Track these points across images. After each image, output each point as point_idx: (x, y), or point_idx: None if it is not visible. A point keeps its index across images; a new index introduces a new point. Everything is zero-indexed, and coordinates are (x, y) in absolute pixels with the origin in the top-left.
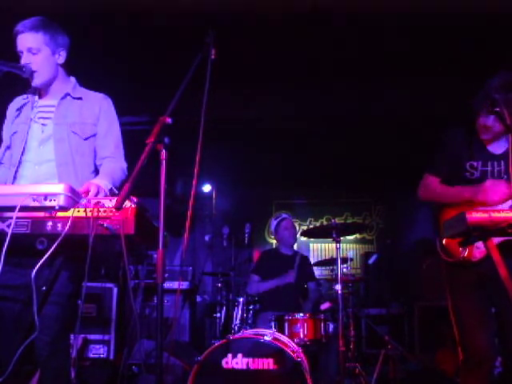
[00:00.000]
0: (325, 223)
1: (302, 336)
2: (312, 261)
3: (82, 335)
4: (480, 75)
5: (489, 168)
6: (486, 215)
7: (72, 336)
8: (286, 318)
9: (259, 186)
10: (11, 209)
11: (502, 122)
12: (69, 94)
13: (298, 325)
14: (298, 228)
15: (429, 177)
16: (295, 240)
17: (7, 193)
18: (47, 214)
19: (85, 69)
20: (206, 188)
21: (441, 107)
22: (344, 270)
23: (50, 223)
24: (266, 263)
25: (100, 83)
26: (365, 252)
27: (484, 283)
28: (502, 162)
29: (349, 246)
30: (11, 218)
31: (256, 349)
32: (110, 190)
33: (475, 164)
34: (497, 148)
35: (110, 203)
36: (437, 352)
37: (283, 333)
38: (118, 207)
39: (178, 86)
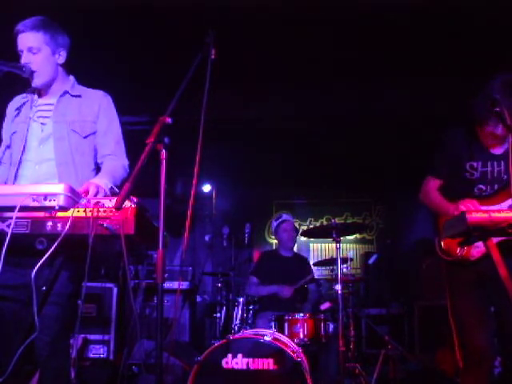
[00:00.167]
0: (325, 223)
1: (301, 336)
2: (312, 261)
3: (82, 335)
4: (480, 75)
5: (489, 168)
6: (485, 215)
7: (72, 336)
8: (286, 318)
9: (259, 185)
10: (11, 209)
11: (502, 122)
12: (67, 92)
13: (298, 325)
14: (298, 228)
15: (430, 180)
16: (294, 243)
17: (7, 193)
18: (47, 214)
19: (85, 68)
20: (206, 188)
21: (441, 107)
22: (344, 269)
23: (49, 223)
24: (266, 265)
25: (100, 83)
26: (365, 252)
27: (483, 282)
28: (502, 163)
29: (349, 246)
30: (11, 217)
31: (256, 349)
32: (111, 188)
33: (475, 164)
34: (497, 148)
35: (110, 203)
36: (437, 352)
37: (283, 333)
38: (118, 207)
39: (178, 85)
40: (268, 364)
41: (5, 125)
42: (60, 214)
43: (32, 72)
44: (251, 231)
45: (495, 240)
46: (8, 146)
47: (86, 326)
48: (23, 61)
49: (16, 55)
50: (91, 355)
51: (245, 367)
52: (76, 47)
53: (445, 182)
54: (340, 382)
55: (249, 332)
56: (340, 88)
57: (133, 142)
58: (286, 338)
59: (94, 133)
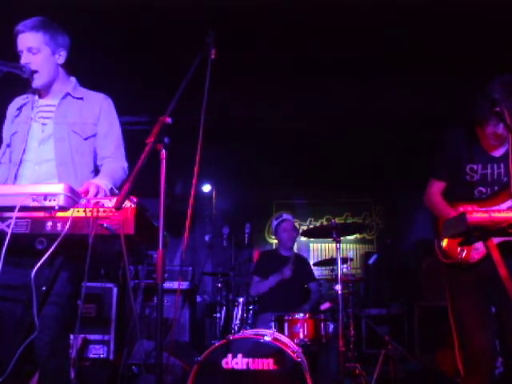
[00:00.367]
0: (325, 223)
1: (301, 336)
2: (312, 261)
3: (82, 335)
4: (480, 75)
5: (488, 171)
6: (486, 215)
7: (72, 336)
8: (286, 318)
9: (259, 185)
10: (11, 209)
11: (502, 122)
12: (69, 94)
13: (298, 325)
14: (298, 228)
15: (433, 183)
16: (294, 242)
17: (7, 193)
18: (47, 214)
19: (85, 68)
20: (206, 188)
21: (441, 107)
22: (344, 270)
23: (49, 223)
24: (265, 264)
25: (100, 83)
26: (365, 252)
27: (483, 283)
28: (502, 165)
29: (349, 246)
30: (11, 217)
31: (256, 349)
32: (111, 189)
33: (475, 167)
34: (497, 150)
35: (110, 203)
36: (437, 352)
37: (283, 333)
38: (118, 207)
39: (178, 85)
40: (268, 364)
41: (5, 125)
42: (60, 214)
43: (32, 72)
44: (251, 231)
45: (496, 241)
46: (8, 145)
47: (86, 326)
48: (23, 61)
49: (16, 55)
50: (91, 355)
51: (245, 367)
52: (76, 47)
53: (446, 184)
54: (340, 381)
55: (249, 332)
56: (340, 88)
57: (133, 142)
58: (286, 338)
59: (95, 135)
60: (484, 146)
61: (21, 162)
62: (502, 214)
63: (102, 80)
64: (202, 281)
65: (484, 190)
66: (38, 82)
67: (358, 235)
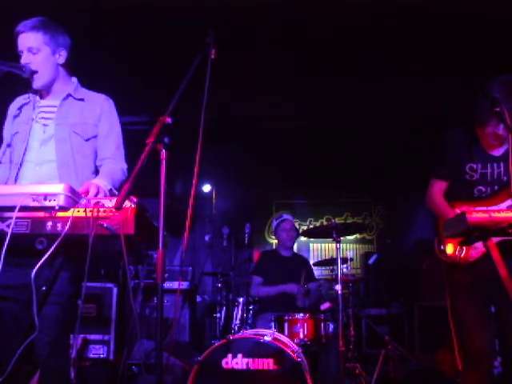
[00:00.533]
0: (325, 223)
1: (301, 336)
2: (312, 261)
3: (82, 335)
4: (480, 75)
5: (488, 170)
6: (486, 215)
7: (72, 336)
8: (286, 318)
9: (259, 185)
10: (11, 209)
11: (502, 123)
12: (71, 95)
13: (298, 325)
14: (298, 228)
15: (435, 182)
16: (293, 243)
17: (7, 193)
18: (47, 214)
19: (85, 68)
20: (206, 188)
21: (441, 107)
22: (344, 270)
23: (49, 223)
24: (266, 264)
25: (100, 83)
26: (365, 252)
27: (483, 283)
28: (502, 164)
29: (349, 246)
30: (11, 217)
31: (256, 349)
32: (110, 190)
33: (475, 166)
34: (496, 150)
35: (110, 203)
36: (437, 352)
37: (283, 333)
38: (118, 207)
39: (178, 85)
40: (268, 364)
41: (6, 125)
42: (60, 214)
43: (32, 72)
44: (251, 231)
45: (495, 240)
46: (8, 145)
47: (86, 326)
48: (23, 61)
49: (16, 56)
50: (91, 355)
51: (245, 367)
52: (76, 47)
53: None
54: (340, 381)
55: (249, 332)
56: (340, 88)
57: (133, 142)
58: (286, 338)
59: (96, 136)
60: (484, 146)
61: (22, 163)
62: (502, 214)
63: (102, 80)
64: (202, 281)
65: (484, 190)
66: (38, 82)
67: (357, 235)
